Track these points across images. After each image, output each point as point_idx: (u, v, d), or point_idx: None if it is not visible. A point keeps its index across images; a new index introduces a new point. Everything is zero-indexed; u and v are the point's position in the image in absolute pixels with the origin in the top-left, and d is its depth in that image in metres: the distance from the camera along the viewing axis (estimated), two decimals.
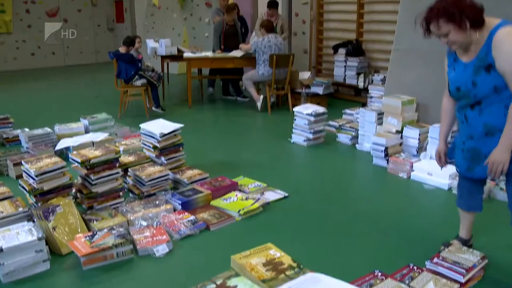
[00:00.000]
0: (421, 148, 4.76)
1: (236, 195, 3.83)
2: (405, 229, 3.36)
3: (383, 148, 4.70)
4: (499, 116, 2.35)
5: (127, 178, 4.00)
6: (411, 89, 5.29)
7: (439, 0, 2.38)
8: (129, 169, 4.00)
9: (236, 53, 7.40)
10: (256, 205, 3.64)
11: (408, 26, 5.43)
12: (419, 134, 4.75)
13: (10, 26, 13.17)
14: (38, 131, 5.26)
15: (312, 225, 3.44)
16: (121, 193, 3.71)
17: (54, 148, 4.90)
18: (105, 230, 3.05)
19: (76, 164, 3.58)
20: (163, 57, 8.40)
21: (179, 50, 8.27)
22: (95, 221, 3.30)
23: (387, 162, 4.63)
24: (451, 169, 4.25)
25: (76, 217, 3.20)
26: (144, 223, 3.33)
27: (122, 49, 6.81)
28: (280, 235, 3.28)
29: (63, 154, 4.89)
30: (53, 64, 14.15)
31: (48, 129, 5.33)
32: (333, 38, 8.48)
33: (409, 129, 4.84)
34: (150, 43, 8.50)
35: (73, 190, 3.61)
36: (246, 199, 3.75)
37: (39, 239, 2.76)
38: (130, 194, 3.93)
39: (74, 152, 3.69)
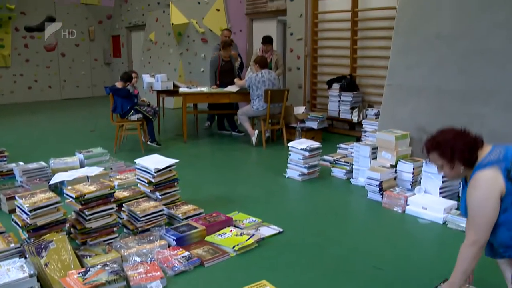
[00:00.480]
0: (415, 182, 4.78)
1: (231, 230, 3.81)
2: (401, 265, 3.34)
3: (377, 183, 4.71)
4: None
5: (122, 213, 3.98)
6: (404, 123, 5.35)
7: (440, 131, 2.46)
8: (123, 204, 3.98)
9: (231, 88, 7.48)
10: (251, 240, 3.62)
11: (400, 62, 5.56)
12: (413, 168, 4.78)
13: (8, 60, 13.31)
14: (33, 165, 5.26)
15: (307, 261, 3.41)
16: (115, 229, 3.68)
17: (49, 182, 4.89)
18: (99, 266, 3.02)
19: (71, 199, 3.57)
20: (159, 92, 8.48)
21: (174, 85, 8.34)
22: (88, 257, 3.26)
23: (382, 197, 4.63)
24: (445, 203, 4.28)
25: (69, 253, 3.16)
26: (138, 259, 3.29)
27: (119, 84, 6.86)
28: (274, 271, 3.25)
29: (58, 188, 4.88)
30: (50, 97, 14.26)
31: (43, 163, 5.32)
32: (327, 73, 8.59)
33: (403, 163, 4.87)
34: (146, 78, 8.58)
35: (67, 226, 3.58)
36: (241, 234, 3.73)
37: (31, 276, 2.73)
38: (125, 230, 3.90)
39: (69, 187, 3.67)
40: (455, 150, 2.35)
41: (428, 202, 4.29)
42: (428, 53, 5.31)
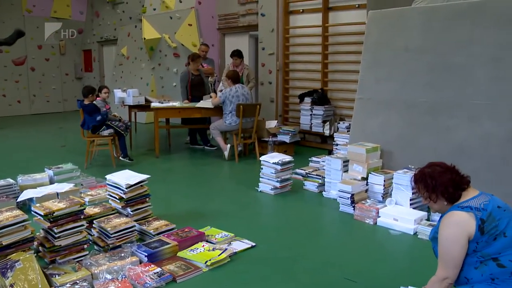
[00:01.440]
0: (386, 194, 4.84)
1: (203, 245, 3.78)
2: (373, 276, 3.36)
3: (349, 195, 4.74)
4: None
5: (92, 230, 3.91)
6: (375, 136, 5.42)
7: (430, 164, 2.54)
8: (94, 221, 3.91)
9: (205, 104, 7.43)
10: (223, 255, 3.59)
11: (370, 76, 5.65)
12: (384, 181, 4.83)
13: None
14: (0, 182, 5.12)
15: (280, 274, 3.40)
16: (85, 246, 3.61)
17: (16, 200, 4.77)
18: (68, 285, 2.96)
19: (39, 216, 3.49)
20: (131, 107, 8.40)
21: (146, 100, 8.28)
22: (57, 276, 3.19)
23: (354, 209, 4.66)
24: (416, 214, 4.34)
25: (37, 272, 3.08)
26: (109, 277, 3.24)
27: (86, 101, 6.75)
28: (247, 286, 3.23)
29: (26, 205, 4.77)
30: (19, 112, 13.97)
31: (11, 180, 5.19)
32: (299, 87, 8.67)
33: (374, 175, 4.92)
34: (118, 93, 8.49)
35: (35, 244, 3.50)
36: (213, 249, 3.70)
37: None
38: (95, 247, 3.82)
39: (37, 204, 3.60)
40: (439, 184, 2.42)
41: (399, 214, 4.34)
42: (397, 66, 5.42)
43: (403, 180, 4.59)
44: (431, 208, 2.55)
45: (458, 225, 2.32)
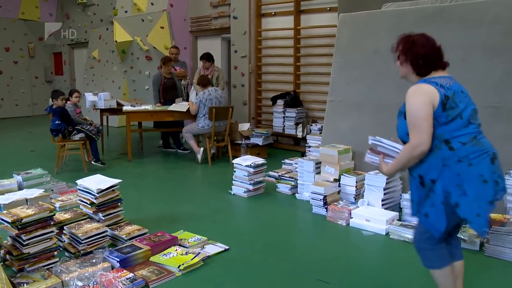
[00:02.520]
0: (358, 195, 4.88)
1: (176, 250, 3.75)
2: (346, 277, 3.38)
3: (321, 197, 4.76)
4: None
5: (63, 236, 3.84)
6: (346, 138, 5.46)
7: (423, 33, 2.67)
8: (64, 227, 3.84)
9: (178, 107, 7.37)
10: (197, 259, 3.57)
11: (341, 78, 5.70)
12: (356, 182, 4.87)
13: None
14: None
15: (254, 277, 3.40)
16: (55, 253, 3.54)
17: None
18: None
19: (6, 224, 3.40)
20: (103, 110, 8.29)
21: (118, 103, 8.19)
22: (25, 285, 3.12)
23: (326, 211, 4.69)
24: (387, 214, 4.39)
25: (3, 281, 3.00)
26: (80, 284, 3.18)
27: (55, 104, 6.56)
28: None
29: None
30: None
31: None
32: (272, 90, 8.69)
33: (346, 177, 4.96)
34: (89, 96, 8.37)
35: (2, 252, 3.42)
36: (186, 253, 3.67)
37: None
38: (66, 253, 3.75)
39: (4, 211, 3.51)
40: (413, 52, 2.56)
41: (371, 214, 4.39)
42: (367, 69, 5.48)
43: (374, 181, 4.64)
44: (399, 72, 2.69)
45: (425, 94, 2.41)
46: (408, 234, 3.97)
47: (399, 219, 4.39)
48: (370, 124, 5.36)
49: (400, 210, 4.58)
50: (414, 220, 4.24)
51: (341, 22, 5.82)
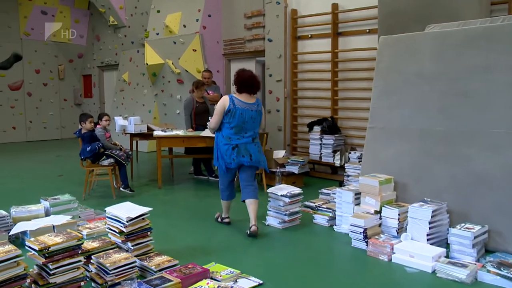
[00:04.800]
0: (401, 229, 4.78)
1: (208, 283, 3.73)
2: None
3: (361, 230, 4.69)
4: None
5: (90, 266, 3.87)
6: (388, 167, 5.39)
7: (247, 71, 5.30)
8: (92, 256, 3.87)
9: (210, 133, 7.41)
10: None
11: (382, 103, 5.66)
12: (399, 214, 4.78)
13: None
14: None
15: None
16: (82, 283, 3.57)
17: (9, 233, 4.74)
18: None
19: (33, 252, 3.46)
20: (132, 135, 8.44)
21: (149, 128, 8.32)
22: None
23: (367, 245, 4.61)
24: (434, 250, 4.28)
25: None
26: None
27: (84, 129, 6.71)
28: None
29: (19, 239, 4.75)
30: (14, 139, 14.03)
31: (3, 212, 5.14)
32: (308, 116, 8.70)
33: (388, 209, 4.87)
34: (119, 120, 8.55)
35: (27, 281, 3.46)
36: (218, 287, 3.65)
37: None
38: (93, 284, 3.78)
39: (32, 238, 3.57)
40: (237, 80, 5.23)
41: (416, 250, 4.28)
42: (410, 93, 5.42)
43: (419, 214, 4.54)
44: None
45: (222, 100, 5.19)
46: (458, 273, 3.86)
47: (447, 256, 4.27)
48: (414, 152, 5.28)
49: (447, 246, 4.45)
50: (464, 258, 4.13)
51: (382, 44, 5.80)
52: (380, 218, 4.91)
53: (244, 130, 5.11)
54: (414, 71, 5.40)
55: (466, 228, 4.26)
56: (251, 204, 5.16)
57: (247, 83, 5.09)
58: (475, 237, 4.19)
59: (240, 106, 5.04)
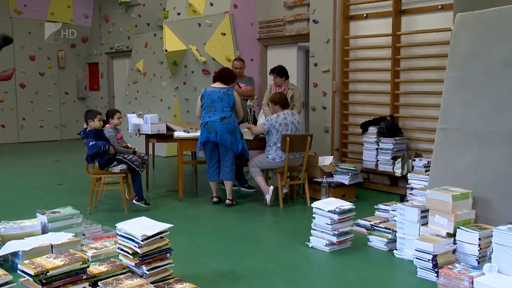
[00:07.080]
0: (483, 258, 4.67)
1: None
2: None
3: (430, 257, 4.61)
4: None
5: None
6: (464, 178, 5.30)
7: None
8: (99, 283, 3.90)
9: (245, 135, 7.42)
10: None
11: (458, 99, 5.55)
12: (479, 239, 4.67)
13: None
14: None
15: None
16: None
17: None
18: None
19: (27, 277, 3.47)
20: (149, 136, 8.48)
21: (168, 128, 8.35)
22: None
23: (437, 276, 4.51)
24: None
25: None
26: None
27: (91, 126, 6.73)
28: None
29: (8, 262, 4.79)
30: (3, 140, 14.01)
31: None
32: (362, 114, 8.67)
33: (465, 231, 4.77)
34: (133, 118, 8.59)
35: None
36: None
37: None
38: None
39: (25, 261, 3.60)
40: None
41: (504, 286, 4.15)
42: (494, 85, 5.30)
43: (507, 239, 4.39)
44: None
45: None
46: None
47: None
48: (498, 160, 5.16)
49: None
50: None
51: (458, 24, 5.69)
52: (455, 243, 4.80)
53: (213, 110, 7.02)
54: (499, 57, 5.28)
55: None
56: (226, 184, 7.26)
57: (220, 74, 7.27)
58: None
59: (209, 90, 7.14)
